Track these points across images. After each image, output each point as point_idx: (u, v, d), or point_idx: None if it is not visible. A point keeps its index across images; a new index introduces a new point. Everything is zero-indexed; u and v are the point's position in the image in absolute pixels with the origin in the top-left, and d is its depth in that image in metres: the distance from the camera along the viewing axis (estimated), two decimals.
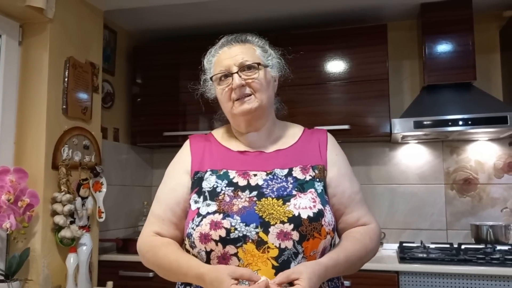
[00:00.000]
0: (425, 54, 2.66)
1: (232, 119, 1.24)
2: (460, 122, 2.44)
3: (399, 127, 2.53)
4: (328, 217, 1.12)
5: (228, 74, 1.18)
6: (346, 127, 2.68)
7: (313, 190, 1.14)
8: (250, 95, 1.18)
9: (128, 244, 2.71)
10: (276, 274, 1.03)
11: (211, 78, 1.24)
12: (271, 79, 1.24)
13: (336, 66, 2.78)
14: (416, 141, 2.93)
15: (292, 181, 1.15)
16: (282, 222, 1.06)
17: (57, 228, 2.18)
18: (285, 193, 1.12)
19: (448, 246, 2.52)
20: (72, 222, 2.23)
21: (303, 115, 2.72)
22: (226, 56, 1.21)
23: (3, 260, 2.06)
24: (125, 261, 2.61)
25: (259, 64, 1.19)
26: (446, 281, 2.20)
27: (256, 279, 0.99)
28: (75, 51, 2.37)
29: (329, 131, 1.33)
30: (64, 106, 2.29)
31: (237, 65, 1.18)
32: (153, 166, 3.41)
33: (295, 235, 1.06)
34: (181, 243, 1.20)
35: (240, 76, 1.17)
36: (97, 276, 2.49)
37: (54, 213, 2.18)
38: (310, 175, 1.17)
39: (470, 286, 2.17)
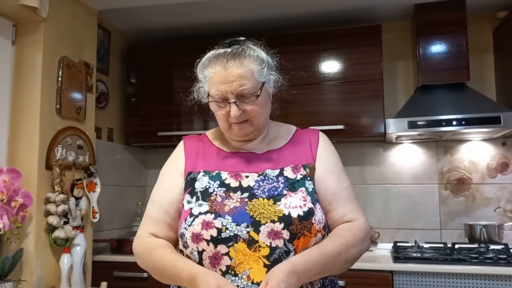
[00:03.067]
0: (419, 54, 2.67)
1: (226, 134, 1.24)
2: (454, 122, 2.45)
3: (393, 127, 2.54)
4: (319, 215, 1.12)
5: (225, 99, 1.16)
6: (340, 127, 2.69)
7: (303, 189, 1.15)
8: (247, 120, 1.17)
9: (123, 245, 2.70)
10: (267, 272, 1.03)
11: (207, 97, 1.20)
12: (268, 97, 1.22)
13: (330, 66, 2.79)
14: (410, 141, 2.94)
15: (283, 181, 1.16)
16: (273, 221, 1.07)
17: (51, 228, 2.17)
18: (276, 193, 1.13)
19: (442, 245, 2.53)
20: (65, 223, 2.22)
21: (297, 115, 2.72)
22: (222, 80, 1.14)
23: None
24: (119, 261, 2.60)
25: (259, 93, 1.15)
26: (440, 281, 2.21)
27: None
28: (69, 51, 2.36)
29: (323, 131, 1.33)
30: (58, 106, 2.28)
31: (234, 93, 1.13)
32: (148, 167, 3.40)
33: (286, 234, 1.06)
34: (176, 244, 1.20)
35: (237, 105, 1.14)
36: (91, 277, 2.48)
37: (48, 213, 2.17)
38: (301, 174, 1.18)
39: (464, 285, 2.18)
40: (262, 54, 1.20)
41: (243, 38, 1.23)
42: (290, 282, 0.98)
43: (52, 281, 2.18)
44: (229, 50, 1.17)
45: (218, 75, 1.15)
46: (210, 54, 1.21)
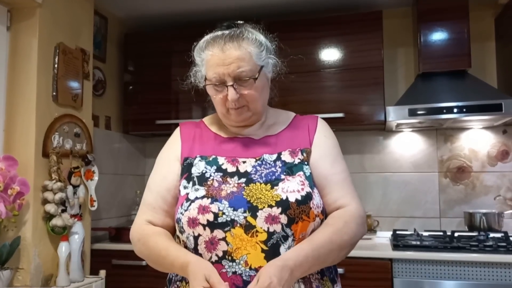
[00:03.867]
0: (420, 41, 2.64)
1: (224, 119, 1.22)
2: (455, 110, 2.43)
3: (394, 115, 2.52)
4: (317, 199, 1.11)
5: (222, 83, 1.13)
6: (340, 115, 2.67)
7: (301, 173, 1.13)
8: (244, 105, 1.15)
9: (121, 233, 2.70)
10: (265, 258, 1.02)
11: (204, 80, 1.18)
12: (266, 81, 1.19)
13: (330, 53, 2.76)
14: (410, 129, 2.92)
15: (280, 165, 1.14)
16: (270, 206, 1.05)
17: (48, 216, 2.15)
18: (273, 177, 1.11)
19: (441, 233, 2.53)
20: (63, 211, 2.20)
21: (296, 103, 2.70)
22: (219, 61, 1.11)
23: None
24: (118, 250, 2.60)
25: (257, 76, 1.13)
26: (439, 268, 2.20)
27: None
28: (65, 37, 2.33)
29: (323, 119, 1.30)
30: (54, 93, 2.25)
31: (232, 76, 1.11)
32: (146, 155, 3.38)
33: (283, 219, 1.05)
34: (173, 231, 1.19)
35: (235, 89, 1.12)
36: (90, 265, 2.47)
37: (45, 201, 2.15)
38: (299, 158, 1.16)
39: (463, 273, 2.18)
40: (261, 38, 1.18)
41: (241, 22, 1.21)
42: (282, 276, 0.96)
43: (50, 269, 2.17)
44: (227, 32, 1.15)
45: (216, 57, 1.13)
46: (207, 36, 1.18)
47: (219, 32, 1.16)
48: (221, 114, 1.20)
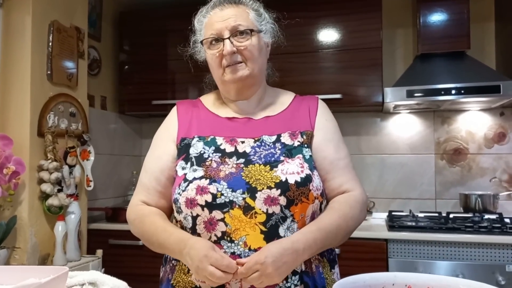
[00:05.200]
0: (419, 22, 2.62)
1: (222, 85, 1.20)
2: (453, 91, 2.42)
3: (392, 96, 2.51)
4: (316, 182, 1.10)
5: (219, 39, 1.14)
6: (337, 96, 2.65)
7: (301, 155, 1.12)
8: (241, 62, 1.14)
9: (118, 213, 2.70)
10: (265, 239, 1.03)
11: (201, 42, 1.19)
12: (264, 46, 1.19)
13: (328, 34, 2.73)
14: (408, 111, 2.91)
15: (280, 147, 1.13)
16: (269, 188, 1.05)
17: (44, 196, 2.15)
18: (272, 159, 1.10)
19: (436, 215, 2.54)
20: (59, 190, 2.20)
21: (293, 84, 2.64)
22: (217, 19, 1.14)
23: None
24: (114, 229, 2.61)
25: (252, 30, 1.14)
26: (434, 249, 2.22)
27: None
28: (59, 15, 2.29)
29: (322, 100, 1.29)
30: (48, 72, 2.22)
31: (229, 29, 1.12)
32: (142, 136, 3.37)
33: (282, 200, 1.04)
34: (168, 212, 1.19)
35: (231, 42, 1.12)
36: (87, 245, 2.48)
37: (41, 181, 2.14)
38: (298, 141, 1.15)
39: (458, 253, 2.20)
40: (260, 8, 1.21)
41: None
42: (279, 259, 0.96)
43: (47, 248, 2.18)
44: None
45: (215, 15, 1.16)
46: (210, 3, 1.20)
47: None
48: (217, 78, 1.19)
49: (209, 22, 1.16)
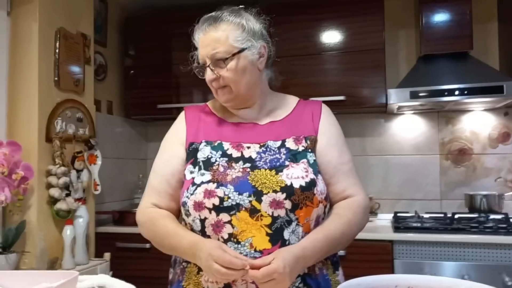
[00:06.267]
0: (422, 23, 2.63)
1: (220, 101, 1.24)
2: (456, 92, 2.43)
3: (395, 97, 2.52)
4: (321, 186, 1.13)
5: (204, 64, 1.18)
6: (341, 98, 2.67)
7: (305, 160, 1.14)
8: (225, 86, 1.17)
9: (125, 216, 2.73)
10: (270, 241, 1.05)
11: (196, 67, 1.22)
12: (249, 64, 1.17)
13: (330, 36, 2.75)
14: (412, 112, 2.92)
15: (285, 152, 1.16)
16: (275, 191, 1.07)
17: (53, 200, 2.18)
18: (278, 163, 1.13)
19: (442, 215, 2.55)
20: (67, 195, 2.23)
21: (297, 86, 2.68)
22: (201, 44, 1.18)
23: (0, 233, 2.07)
24: (122, 233, 2.63)
25: (230, 56, 1.14)
26: (439, 250, 2.23)
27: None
28: (65, 22, 2.32)
29: (324, 102, 1.31)
30: (56, 78, 2.25)
31: (208, 57, 1.16)
32: (148, 139, 3.40)
33: (288, 204, 1.07)
34: (178, 214, 1.21)
35: (212, 70, 1.16)
36: (95, 248, 2.51)
37: (49, 185, 2.17)
38: (302, 146, 1.17)
39: (464, 254, 2.20)
40: (244, 21, 1.18)
41: (241, 6, 1.22)
42: (294, 267, 0.99)
43: (55, 252, 2.20)
44: (213, 14, 1.19)
45: (200, 40, 1.19)
46: (199, 23, 1.22)
47: (207, 15, 1.20)
48: (214, 94, 1.23)
49: (199, 45, 1.20)
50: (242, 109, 1.23)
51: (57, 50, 2.26)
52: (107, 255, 2.39)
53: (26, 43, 2.17)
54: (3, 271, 1.75)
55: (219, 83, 1.17)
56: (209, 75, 1.17)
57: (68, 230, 2.18)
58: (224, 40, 1.15)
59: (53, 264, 2.20)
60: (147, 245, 2.44)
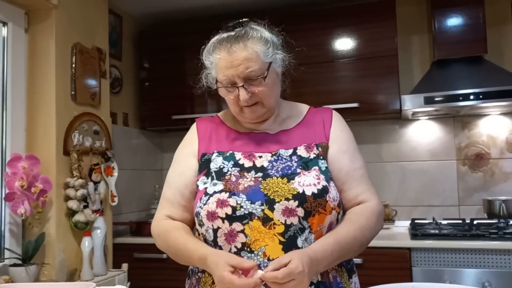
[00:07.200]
0: (435, 28, 2.61)
1: (239, 117, 1.23)
2: (472, 97, 2.41)
3: (409, 103, 2.51)
4: (333, 193, 1.12)
5: (233, 84, 1.15)
6: (355, 105, 2.66)
7: (317, 167, 1.15)
8: (257, 102, 1.16)
9: (142, 227, 2.75)
10: (283, 249, 1.05)
11: (216, 83, 1.19)
12: (276, 76, 1.19)
13: (343, 43, 2.75)
14: (427, 117, 2.90)
15: (296, 160, 1.16)
16: (287, 199, 1.08)
17: (71, 212, 2.22)
18: (289, 171, 1.13)
19: (460, 221, 2.51)
20: (85, 207, 2.26)
21: (311, 94, 2.70)
22: (227, 64, 1.13)
23: (20, 245, 2.11)
24: (139, 243, 2.66)
25: (266, 73, 1.13)
26: (458, 257, 2.20)
27: (250, 267, 0.98)
28: (81, 37, 2.37)
29: (337, 109, 1.31)
30: (72, 92, 2.30)
31: (242, 77, 1.12)
32: (163, 150, 3.43)
33: (300, 212, 1.07)
34: (192, 225, 1.22)
35: (245, 89, 1.13)
36: (112, 259, 2.53)
37: (67, 198, 2.21)
38: (314, 153, 1.17)
39: (483, 260, 2.16)
40: (266, 34, 1.18)
41: (246, 20, 1.21)
42: (311, 269, 0.99)
43: (74, 263, 2.23)
44: (232, 33, 1.16)
45: (224, 60, 1.14)
46: (214, 39, 1.19)
47: (225, 35, 1.17)
48: (235, 113, 1.22)
49: (220, 65, 1.15)
50: (263, 123, 1.23)
51: (73, 65, 2.31)
52: (124, 266, 2.41)
53: (43, 59, 2.22)
54: (23, 283, 1.79)
55: (251, 101, 1.15)
56: (243, 94, 1.13)
57: (86, 242, 2.21)
58: (255, 57, 1.12)
59: (72, 275, 2.23)
60: (164, 256, 2.46)
